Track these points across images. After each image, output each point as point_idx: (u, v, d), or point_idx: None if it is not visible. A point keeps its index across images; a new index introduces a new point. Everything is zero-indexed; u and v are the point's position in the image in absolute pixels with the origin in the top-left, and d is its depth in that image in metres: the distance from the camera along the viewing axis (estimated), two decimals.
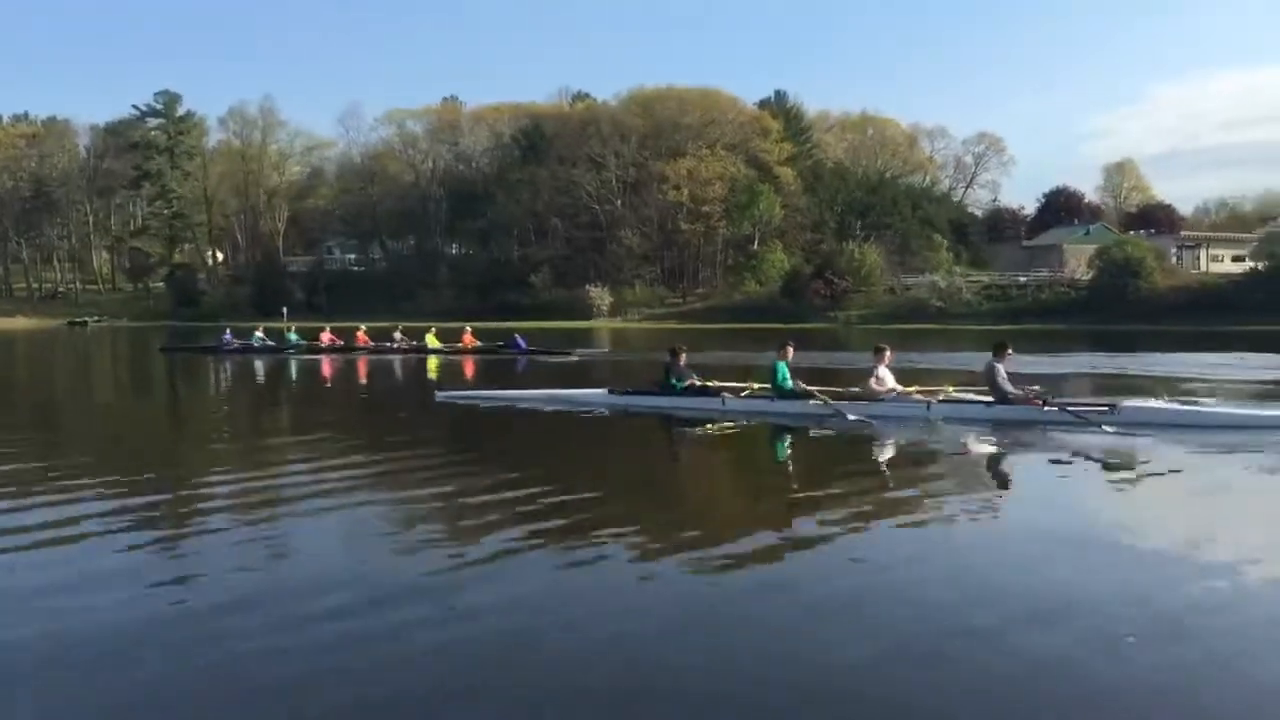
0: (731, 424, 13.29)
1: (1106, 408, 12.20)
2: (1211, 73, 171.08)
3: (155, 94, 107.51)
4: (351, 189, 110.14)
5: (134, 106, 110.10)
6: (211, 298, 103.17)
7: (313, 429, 14.40)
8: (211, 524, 7.50)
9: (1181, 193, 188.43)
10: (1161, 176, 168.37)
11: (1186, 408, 13.07)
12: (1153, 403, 13.21)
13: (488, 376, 23.74)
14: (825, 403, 13.26)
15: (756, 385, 14.18)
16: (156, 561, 6.44)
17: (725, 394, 14.04)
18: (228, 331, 37.83)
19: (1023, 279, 74.27)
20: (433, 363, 28.97)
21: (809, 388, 13.69)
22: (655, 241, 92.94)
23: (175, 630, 5.00)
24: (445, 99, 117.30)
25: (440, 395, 16.93)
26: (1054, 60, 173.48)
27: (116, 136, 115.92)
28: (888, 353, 13.78)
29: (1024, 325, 58.08)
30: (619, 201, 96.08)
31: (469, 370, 26.19)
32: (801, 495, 8.85)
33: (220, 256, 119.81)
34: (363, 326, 36.04)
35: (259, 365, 29.35)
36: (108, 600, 5.48)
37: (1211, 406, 13.57)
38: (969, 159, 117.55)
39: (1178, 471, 9.70)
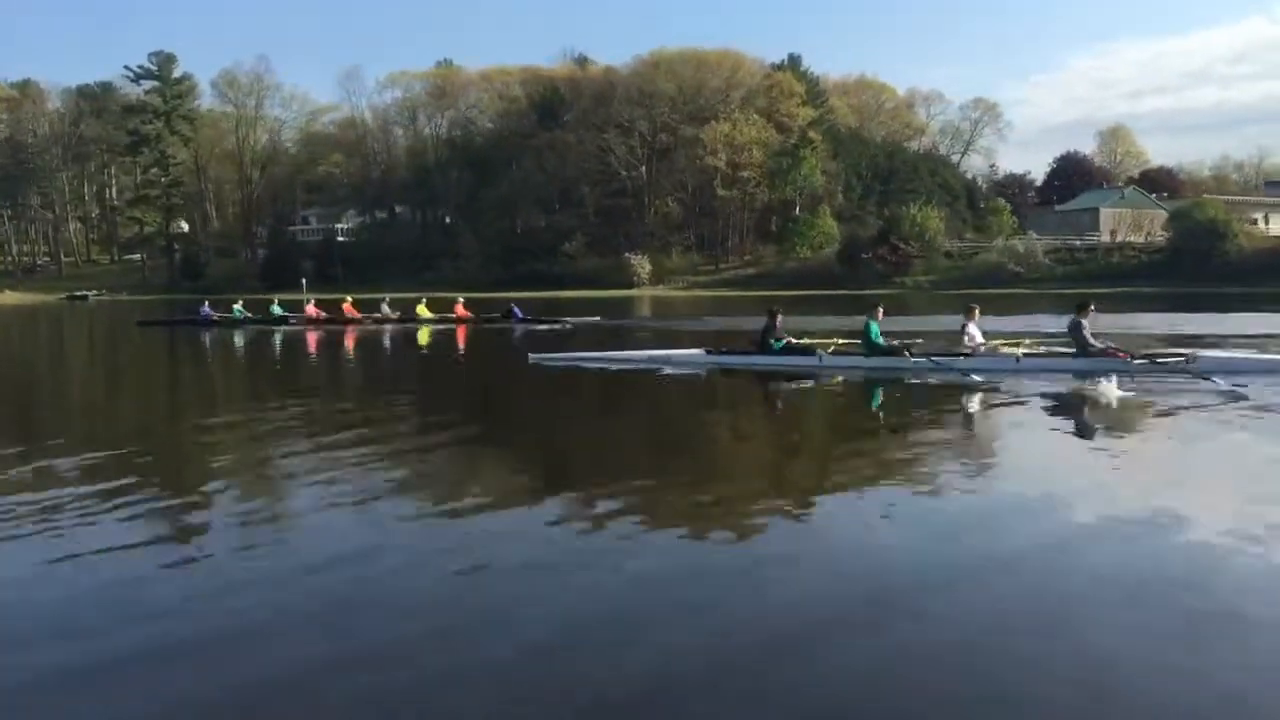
0: (830, 380, 13.99)
1: (1184, 358, 12.91)
2: (1121, 41, 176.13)
3: (150, 55, 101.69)
4: (356, 155, 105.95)
5: (126, 68, 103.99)
6: (215, 269, 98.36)
7: (375, 402, 13.68)
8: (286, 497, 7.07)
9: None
10: (1073, 144, 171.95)
11: (1262, 356, 13.77)
12: (1228, 353, 13.94)
13: (491, 346, 23.70)
14: (926, 358, 13.82)
15: (841, 341, 15.15)
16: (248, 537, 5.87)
17: (820, 351, 14.65)
18: (206, 304, 35.92)
19: (1077, 242, 74.65)
20: (424, 334, 27.78)
21: (900, 344, 14.46)
22: (690, 208, 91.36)
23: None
24: (439, 62, 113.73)
25: (533, 358, 16.81)
26: (969, 26, 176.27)
27: (91, 100, 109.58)
28: (977, 310, 14.59)
29: (1113, 289, 57.84)
30: (643, 168, 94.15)
31: (461, 341, 25.34)
32: (900, 454, 8.54)
33: (185, 226, 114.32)
34: (349, 298, 34.34)
35: (238, 339, 27.58)
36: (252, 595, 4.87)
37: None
38: (964, 125, 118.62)
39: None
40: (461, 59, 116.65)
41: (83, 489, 7.04)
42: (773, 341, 14.87)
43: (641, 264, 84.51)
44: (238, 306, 34.60)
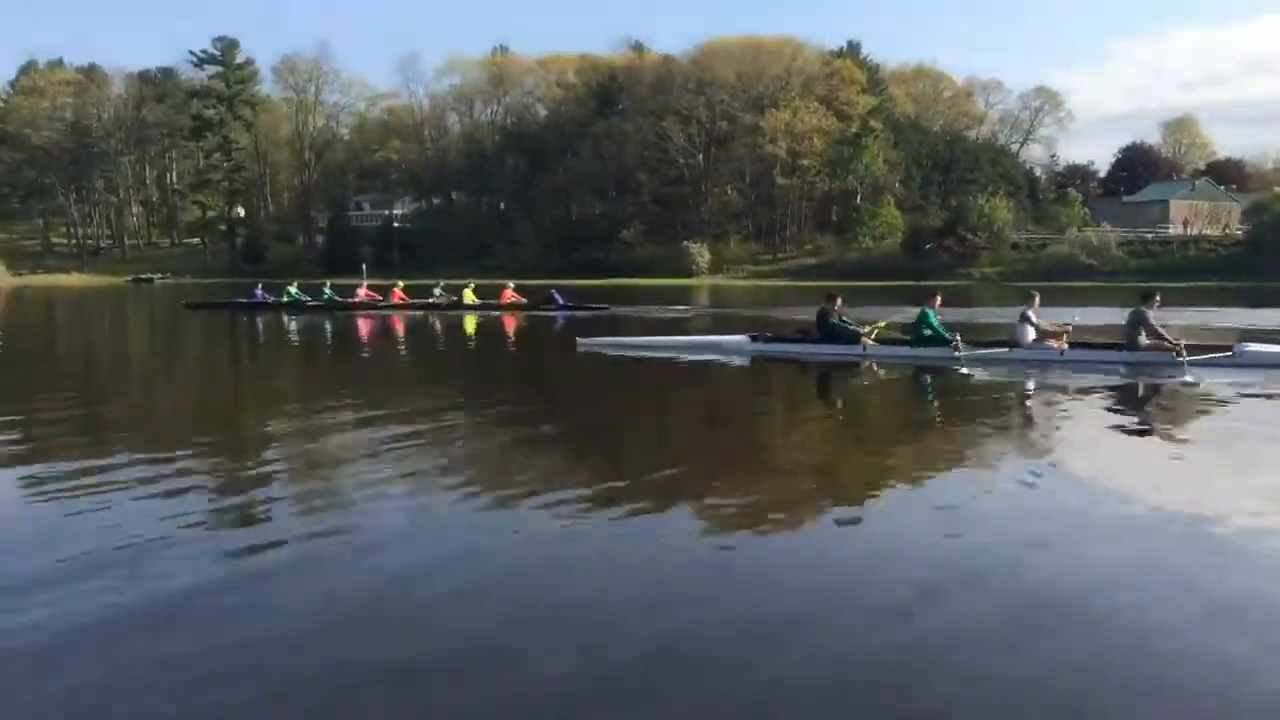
0: (873, 368, 14.05)
1: (1228, 351, 13.14)
2: (1174, 30, 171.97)
3: (213, 40, 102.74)
4: (413, 141, 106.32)
5: (190, 53, 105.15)
6: (274, 254, 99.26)
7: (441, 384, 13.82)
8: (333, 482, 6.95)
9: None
10: (1127, 135, 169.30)
11: None
12: (1272, 346, 13.93)
13: (537, 332, 23.88)
14: (964, 349, 13.91)
15: (885, 323, 15.41)
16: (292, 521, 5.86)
17: (866, 340, 14.74)
18: (259, 286, 36.40)
19: (1149, 235, 73.12)
20: (470, 320, 27.74)
21: (950, 334, 14.41)
22: (749, 197, 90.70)
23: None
24: (495, 49, 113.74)
25: (582, 343, 17.01)
26: (1018, 14, 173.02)
27: (153, 85, 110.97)
28: (1037, 298, 14.56)
29: (1191, 283, 56.77)
30: (700, 156, 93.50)
31: (509, 326, 25.39)
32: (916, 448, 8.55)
33: (242, 212, 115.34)
34: (400, 284, 34.37)
35: (292, 323, 27.51)
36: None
37: None
38: (1024, 115, 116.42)
39: None
40: (517, 46, 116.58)
41: (137, 477, 6.96)
42: (833, 321, 15.22)
43: (701, 252, 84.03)
44: (292, 289, 34.69)
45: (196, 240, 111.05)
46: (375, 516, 5.86)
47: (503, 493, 6.50)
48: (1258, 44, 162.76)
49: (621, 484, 6.77)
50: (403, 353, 20.01)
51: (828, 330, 15.14)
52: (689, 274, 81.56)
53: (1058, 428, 9.51)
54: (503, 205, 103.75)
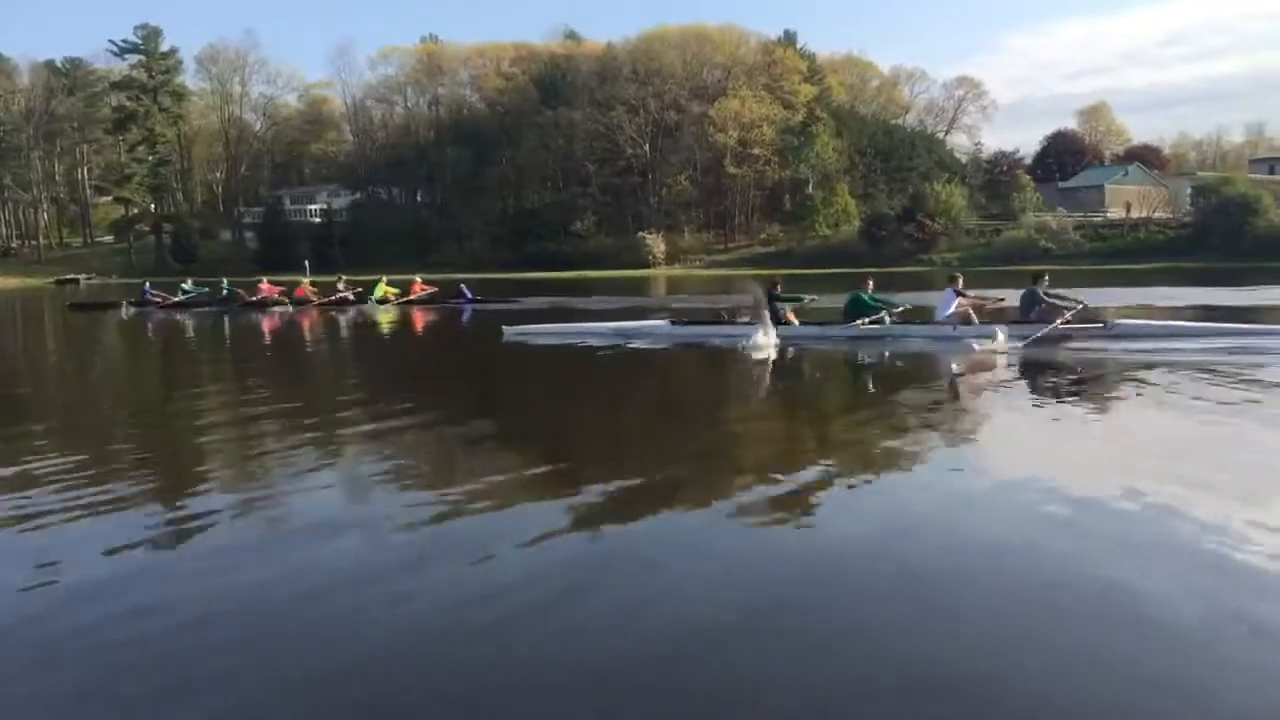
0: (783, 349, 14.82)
1: (1101, 324, 14.61)
2: (1059, 21, 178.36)
3: (135, 28, 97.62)
4: (349, 133, 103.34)
5: (110, 41, 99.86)
6: (206, 251, 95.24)
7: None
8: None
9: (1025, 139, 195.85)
10: (1009, 125, 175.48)
11: (1167, 322, 15.57)
12: (1143, 321, 15.67)
13: (453, 325, 24.04)
14: (888, 321, 15.49)
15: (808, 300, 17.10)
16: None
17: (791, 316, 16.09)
18: (147, 284, 35.53)
19: (1097, 219, 75.52)
20: (383, 314, 27.76)
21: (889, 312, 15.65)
22: (702, 187, 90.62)
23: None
24: (424, 38, 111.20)
25: (508, 332, 17.27)
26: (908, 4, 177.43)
27: (61, 76, 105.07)
28: (960, 279, 15.97)
29: (1149, 264, 58.99)
30: (646, 146, 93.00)
31: (418, 321, 25.51)
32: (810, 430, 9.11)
33: (153, 207, 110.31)
34: (305, 280, 33.94)
35: (189, 321, 26.98)
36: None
37: (1189, 321, 16.33)
38: (948, 103, 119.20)
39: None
40: (447, 35, 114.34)
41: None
42: (782, 295, 16.44)
43: (656, 243, 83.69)
44: (185, 285, 33.60)
45: (111, 239, 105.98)
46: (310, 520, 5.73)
47: (438, 492, 6.42)
48: (1134, 37, 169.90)
49: (546, 474, 6.82)
50: (305, 352, 19.01)
51: (775, 313, 15.94)
52: (645, 265, 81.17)
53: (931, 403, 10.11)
54: (441, 198, 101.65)
